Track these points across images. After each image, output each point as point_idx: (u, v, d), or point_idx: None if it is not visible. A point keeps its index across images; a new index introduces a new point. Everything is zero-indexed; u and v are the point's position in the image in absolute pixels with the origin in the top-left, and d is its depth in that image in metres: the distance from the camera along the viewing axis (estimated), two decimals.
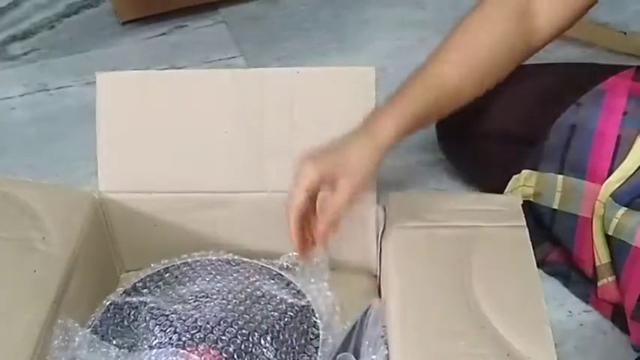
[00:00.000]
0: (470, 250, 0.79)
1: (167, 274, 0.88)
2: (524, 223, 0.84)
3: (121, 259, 0.97)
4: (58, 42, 1.61)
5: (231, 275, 0.88)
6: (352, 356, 0.77)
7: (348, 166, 0.77)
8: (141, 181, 0.91)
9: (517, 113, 1.02)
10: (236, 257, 0.90)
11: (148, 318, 0.81)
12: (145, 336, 0.79)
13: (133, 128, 0.91)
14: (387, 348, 0.77)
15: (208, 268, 0.89)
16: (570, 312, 0.96)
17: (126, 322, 0.82)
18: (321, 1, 1.70)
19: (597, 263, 0.93)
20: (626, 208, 0.88)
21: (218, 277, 0.87)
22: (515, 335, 0.70)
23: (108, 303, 0.84)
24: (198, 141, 0.91)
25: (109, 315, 0.83)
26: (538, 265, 0.77)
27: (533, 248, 0.79)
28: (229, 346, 0.76)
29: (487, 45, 0.87)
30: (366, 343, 0.78)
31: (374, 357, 0.77)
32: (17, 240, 0.81)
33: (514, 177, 0.98)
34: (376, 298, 0.87)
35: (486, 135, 1.04)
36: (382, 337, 0.78)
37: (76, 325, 0.76)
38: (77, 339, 0.75)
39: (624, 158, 0.90)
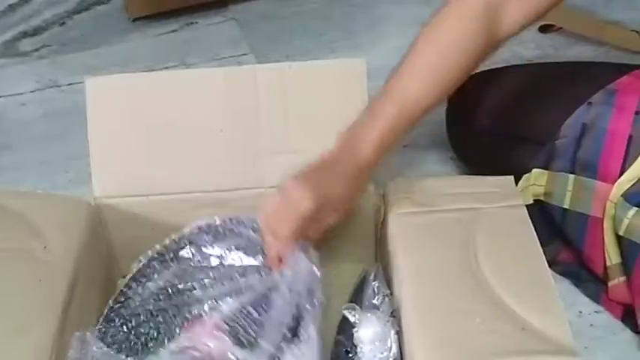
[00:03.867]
0: (473, 232, 0.80)
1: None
2: (522, 202, 0.85)
3: (118, 264, 0.96)
4: (69, 38, 1.61)
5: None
6: (356, 305, 0.78)
7: (339, 199, 0.78)
8: (136, 184, 0.90)
9: (527, 112, 1.01)
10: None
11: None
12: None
13: (125, 132, 0.90)
14: (393, 304, 0.79)
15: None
16: (581, 312, 0.96)
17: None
18: None
19: (608, 263, 0.93)
20: (637, 209, 0.87)
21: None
22: (527, 310, 0.71)
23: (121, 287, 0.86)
24: (192, 141, 0.90)
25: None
26: (548, 265, 0.76)
27: (543, 248, 0.79)
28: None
29: (450, 49, 0.83)
30: (370, 294, 0.80)
31: (375, 301, 0.78)
32: (18, 250, 0.80)
33: (524, 176, 0.97)
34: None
35: (496, 134, 1.04)
36: (384, 293, 0.80)
37: (94, 337, 0.76)
38: (94, 353, 0.75)
39: (636, 158, 0.90)
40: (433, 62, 0.82)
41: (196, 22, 1.64)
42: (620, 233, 0.89)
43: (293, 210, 0.75)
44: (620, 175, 0.90)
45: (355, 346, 0.76)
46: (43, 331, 0.72)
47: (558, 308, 0.72)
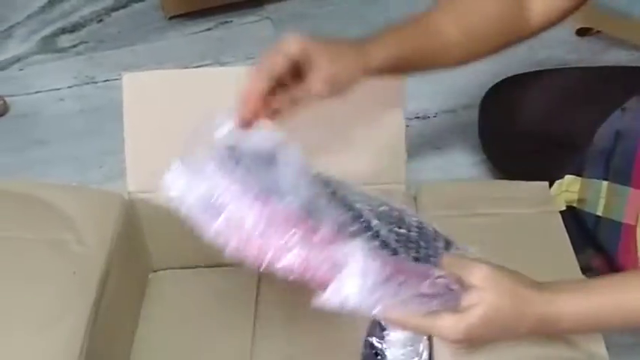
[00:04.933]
0: (506, 237, 0.80)
1: None
2: (556, 208, 0.84)
3: (150, 258, 0.97)
4: (106, 35, 1.63)
5: None
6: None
7: (330, 60, 0.70)
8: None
9: (560, 117, 1.01)
10: None
11: None
12: None
13: (160, 127, 0.90)
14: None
15: None
16: None
17: None
18: None
19: None
20: None
21: None
22: None
23: None
24: None
25: None
26: (582, 272, 0.76)
27: (577, 254, 0.78)
28: None
29: (479, 16, 0.80)
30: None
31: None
32: (52, 242, 0.81)
33: (557, 182, 0.97)
34: None
35: (530, 138, 1.03)
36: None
37: None
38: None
39: None
40: (463, 21, 0.79)
41: (231, 21, 1.65)
42: None
43: (278, 48, 0.70)
44: None
45: (385, 349, 0.76)
46: (75, 321, 0.73)
47: None
